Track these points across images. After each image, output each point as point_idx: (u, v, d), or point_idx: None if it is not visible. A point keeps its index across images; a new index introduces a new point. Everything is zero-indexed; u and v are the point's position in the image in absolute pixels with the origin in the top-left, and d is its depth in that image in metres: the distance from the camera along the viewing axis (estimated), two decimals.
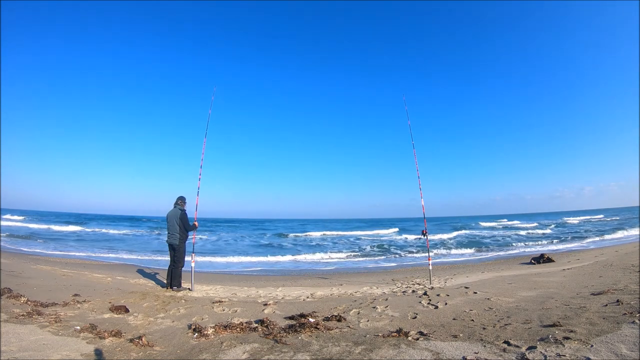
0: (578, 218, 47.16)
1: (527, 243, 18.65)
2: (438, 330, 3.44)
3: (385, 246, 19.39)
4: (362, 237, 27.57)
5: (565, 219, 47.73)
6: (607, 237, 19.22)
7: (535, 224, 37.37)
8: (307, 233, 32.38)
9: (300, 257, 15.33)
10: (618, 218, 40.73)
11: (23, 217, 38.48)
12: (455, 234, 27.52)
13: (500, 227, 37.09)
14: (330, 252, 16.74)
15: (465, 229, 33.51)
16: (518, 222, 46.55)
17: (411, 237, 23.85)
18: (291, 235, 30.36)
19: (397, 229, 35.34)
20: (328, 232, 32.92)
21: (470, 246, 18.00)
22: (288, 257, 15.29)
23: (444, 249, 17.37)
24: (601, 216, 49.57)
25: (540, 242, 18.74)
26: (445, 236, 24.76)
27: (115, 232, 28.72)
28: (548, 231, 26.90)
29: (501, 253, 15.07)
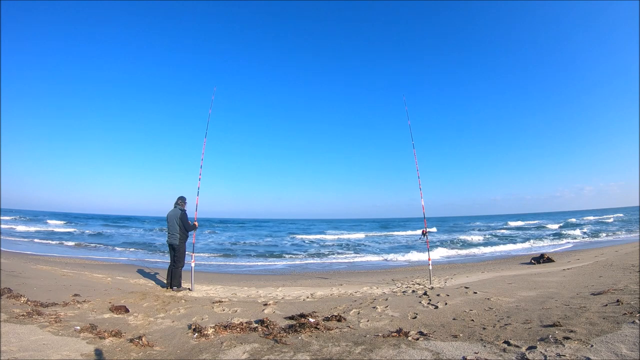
0: (608, 216, 46.82)
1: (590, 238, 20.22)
2: (438, 330, 3.44)
3: (471, 244, 20.07)
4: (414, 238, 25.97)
5: (591, 217, 47.48)
6: None
7: (561, 223, 36.57)
8: (348, 234, 30.51)
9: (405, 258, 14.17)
10: None
11: (13, 217, 38.44)
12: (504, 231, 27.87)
13: (534, 226, 36.63)
14: (417, 251, 15.84)
15: (498, 229, 33.16)
16: (539, 221, 46.19)
17: (476, 238, 22.47)
18: (329, 236, 28.63)
19: (435, 229, 34.63)
20: (370, 233, 32.02)
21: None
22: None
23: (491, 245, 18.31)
24: (621, 214, 49.45)
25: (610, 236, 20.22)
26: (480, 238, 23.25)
27: (112, 231, 28.75)
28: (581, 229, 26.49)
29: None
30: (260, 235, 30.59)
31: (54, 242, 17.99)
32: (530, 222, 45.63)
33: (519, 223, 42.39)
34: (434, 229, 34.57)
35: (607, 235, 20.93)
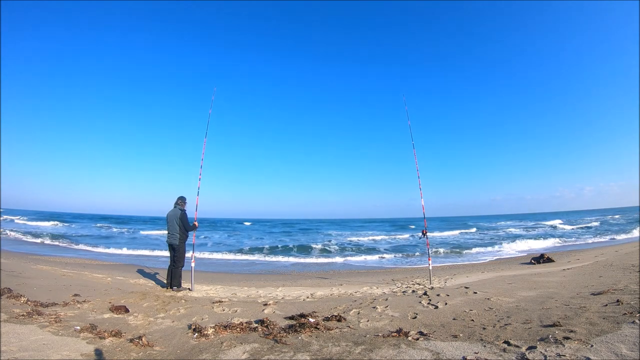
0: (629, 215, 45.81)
1: None
2: (438, 330, 3.44)
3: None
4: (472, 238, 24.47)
5: (617, 216, 46.44)
6: None
7: (588, 225, 33.34)
8: (394, 235, 27.87)
9: None
10: None
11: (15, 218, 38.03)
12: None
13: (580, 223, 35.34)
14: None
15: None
16: (560, 220, 44.55)
17: (547, 242, 19.26)
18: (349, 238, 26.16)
19: (475, 229, 33.42)
20: (387, 235, 29.21)
21: None
22: None
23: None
24: None
25: None
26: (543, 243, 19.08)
27: (112, 231, 28.62)
28: None
29: None
30: (265, 235, 30.49)
31: (50, 242, 18.06)
32: (556, 221, 43.03)
33: (557, 222, 40.29)
34: (473, 230, 33.64)
35: None
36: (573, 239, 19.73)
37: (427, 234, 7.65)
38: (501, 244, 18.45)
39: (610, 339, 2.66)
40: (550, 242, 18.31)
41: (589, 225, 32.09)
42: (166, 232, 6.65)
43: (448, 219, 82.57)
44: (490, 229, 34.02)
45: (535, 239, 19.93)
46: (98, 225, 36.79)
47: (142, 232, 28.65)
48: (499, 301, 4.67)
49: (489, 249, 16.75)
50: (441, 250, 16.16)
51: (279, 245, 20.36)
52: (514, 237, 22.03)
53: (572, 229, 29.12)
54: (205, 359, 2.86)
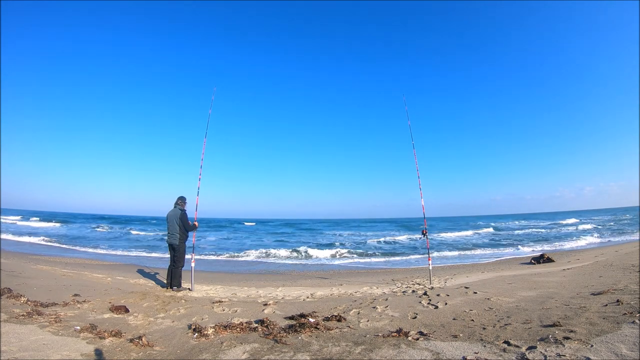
0: None
1: None
2: (438, 330, 3.44)
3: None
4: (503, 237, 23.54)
5: (624, 215, 45.67)
6: None
7: (609, 224, 30.75)
8: (407, 236, 26.18)
9: None
10: None
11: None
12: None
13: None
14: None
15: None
16: (574, 219, 43.31)
17: (588, 240, 18.48)
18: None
19: (491, 230, 32.52)
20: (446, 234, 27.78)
21: None
22: None
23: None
24: None
25: None
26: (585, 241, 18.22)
27: (111, 231, 28.62)
28: None
29: None
30: (267, 235, 30.47)
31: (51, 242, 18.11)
32: (571, 219, 42.40)
33: (573, 220, 39.60)
34: (490, 229, 32.99)
35: None
36: (608, 235, 19.46)
37: (428, 234, 7.65)
38: (550, 242, 18.10)
39: (610, 339, 2.66)
40: (584, 242, 17.59)
41: (608, 224, 31.33)
42: (166, 232, 6.66)
43: (450, 219, 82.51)
44: (507, 229, 33.08)
45: (561, 239, 19.60)
46: (97, 225, 36.73)
47: (141, 233, 28.64)
48: (499, 301, 4.67)
49: (523, 248, 16.36)
50: (464, 252, 15.78)
51: (280, 246, 20.38)
52: (549, 238, 21.28)
53: (592, 227, 28.46)
54: (205, 359, 2.86)
